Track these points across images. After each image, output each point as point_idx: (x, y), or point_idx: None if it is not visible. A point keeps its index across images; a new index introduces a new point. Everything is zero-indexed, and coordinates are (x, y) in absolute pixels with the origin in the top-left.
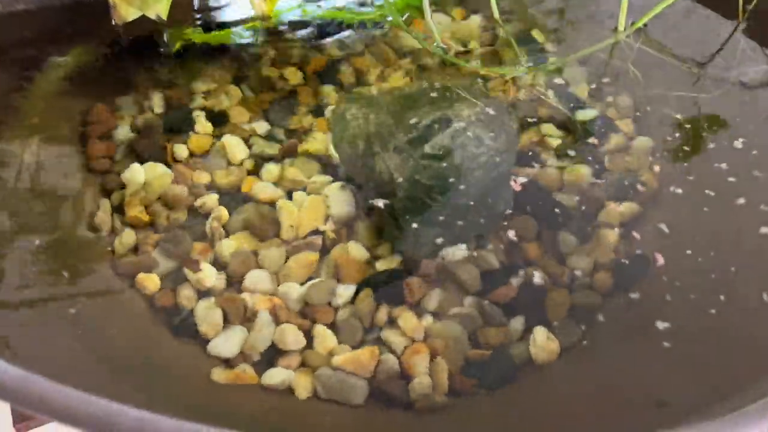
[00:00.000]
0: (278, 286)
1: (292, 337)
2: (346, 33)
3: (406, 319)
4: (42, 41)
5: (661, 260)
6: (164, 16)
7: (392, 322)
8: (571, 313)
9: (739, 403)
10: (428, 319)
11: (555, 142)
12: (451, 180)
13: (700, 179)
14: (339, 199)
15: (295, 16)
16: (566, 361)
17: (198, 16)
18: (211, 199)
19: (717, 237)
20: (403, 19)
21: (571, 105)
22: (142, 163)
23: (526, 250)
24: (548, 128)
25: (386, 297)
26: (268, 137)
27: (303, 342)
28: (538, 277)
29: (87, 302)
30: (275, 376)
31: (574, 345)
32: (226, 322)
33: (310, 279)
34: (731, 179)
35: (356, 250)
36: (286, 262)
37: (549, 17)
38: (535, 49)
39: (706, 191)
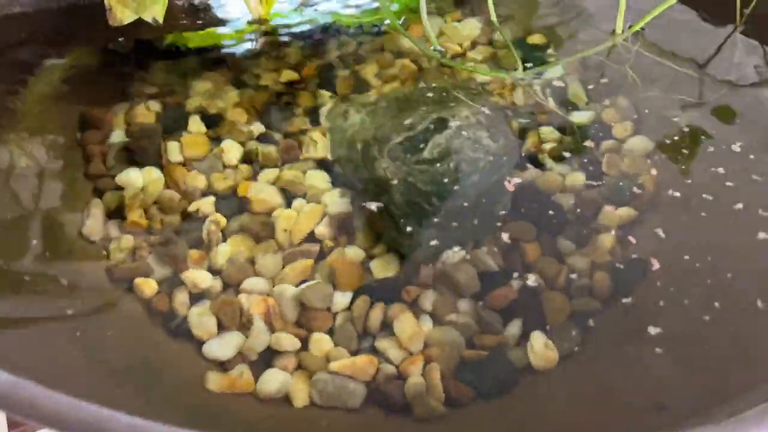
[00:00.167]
0: (274, 287)
1: (288, 341)
2: (344, 36)
3: (404, 325)
4: (38, 44)
5: (656, 265)
6: (160, 19)
7: (389, 329)
8: (570, 318)
9: (738, 407)
10: (426, 325)
11: (553, 146)
12: (449, 184)
13: (698, 183)
14: (336, 203)
15: (291, 19)
16: (564, 366)
17: (195, 19)
18: (206, 204)
19: (714, 242)
20: (401, 22)
21: (569, 108)
22: (138, 166)
23: (523, 253)
24: (546, 131)
25: (384, 302)
26: (265, 140)
27: (298, 345)
28: (535, 281)
29: (84, 307)
30: (272, 381)
31: (572, 350)
32: (222, 326)
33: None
34: (729, 184)
35: (353, 255)
36: (282, 268)
37: (547, 20)
38: (533, 52)
39: (704, 195)
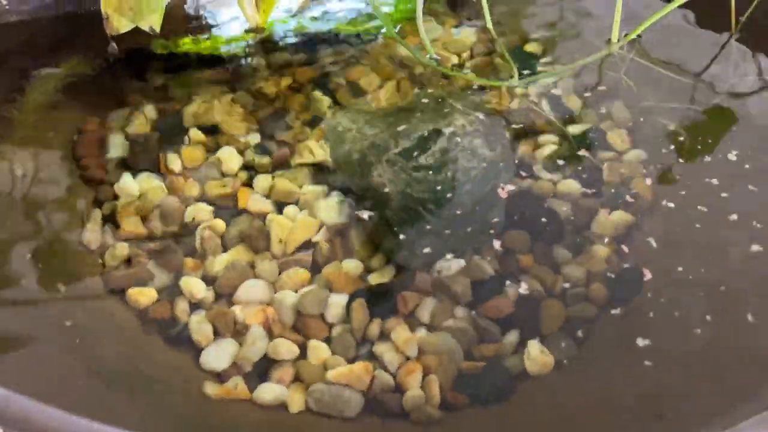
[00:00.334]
0: (275, 293)
1: (285, 348)
2: (341, 44)
3: (400, 333)
4: (35, 53)
5: (648, 275)
6: (157, 28)
7: (386, 336)
8: (566, 326)
9: (732, 419)
10: (422, 332)
11: (548, 154)
12: (445, 191)
13: (693, 194)
14: (333, 211)
15: (289, 28)
16: (561, 373)
17: (192, 28)
18: (203, 211)
19: (708, 254)
20: (397, 30)
21: (565, 116)
22: (135, 174)
23: (519, 261)
24: (542, 139)
25: (380, 309)
26: (262, 148)
27: (296, 353)
28: (530, 288)
29: (81, 315)
30: (268, 392)
31: (568, 358)
32: (217, 334)
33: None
34: (724, 195)
35: (350, 263)
36: (279, 275)
37: (543, 28)
38: (530, 60)
39: (699, 207)
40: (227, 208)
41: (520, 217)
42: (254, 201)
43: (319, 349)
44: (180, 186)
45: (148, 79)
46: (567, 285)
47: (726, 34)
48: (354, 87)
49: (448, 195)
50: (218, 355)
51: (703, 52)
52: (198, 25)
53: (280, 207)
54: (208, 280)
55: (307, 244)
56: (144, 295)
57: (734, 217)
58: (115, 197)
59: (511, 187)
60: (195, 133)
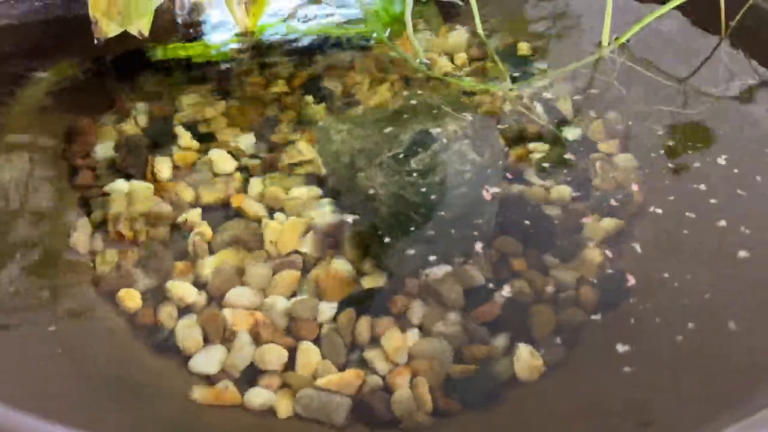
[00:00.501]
0: (265, 298)
1: (272, 355)
2: (331, 48)
3: (390, 337)
4: (24, 56)
5: (632, 281)
6: (146, 32)
7: (376, 341)
8: (556, 330)
9: (718, 425)
10: (413, 337)
11: (539, 158)
12: (435, 196)
13: (681, 200)
14: (324, 215)
15: (279, 31)
16: (550, 378)
17: (181, 32)
18: (194, 215)
19: (694, 260)
20: (388, 34)
21: (556, 120)
22: (125, 178)
23: (510, 265)
24: (532, 144)
25: (370, 313)
26: (253, 152)
27: (285, 359)
28: (521, 292)
29: (67, 320)
30: (257, 397)
31: (558, 361)
32: (207, 340)
33: (294, 295)
34: (713, 201)
35: (340, 267)
36: (270, 281)
37: (535, 32)
38: (521, 64)
39: (687, 213)
40: (218, 211)
41: (511, 222)
42: (246, 205)
43: (309, 353)
44: (170, 190)
45: (139, 83)
46: (556, 289)
47: (716, 39)
48: (345, 91)
49: (440, 199)
50: (207, 360)
51: (694, 56)
52: (188, 29)
53: (271, 211)
54: (200, 284)
55: (298, 248)
56: (133, 300)
57: (722, 223)
58: (105, 201)
59: (496, 190)
60: (185, 137)
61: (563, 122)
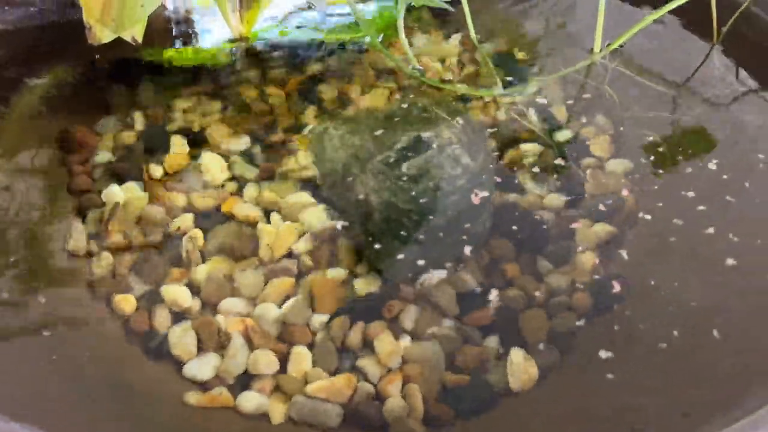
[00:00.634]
0: (255, 307)
1: (265, 360)
2: (325, 53)
3: (383, 342)
4: (20, 62)
5: (617, 287)
6: (139, 39)
7: (369, 346)
8: (549, 336)
9: (712, 427)
10: (405, 341)
11: (531, 163)
12: (428, 202)
13: (672, 206)
14: (318, 220)
15: (272, 37)
16: (544, 383)
17: (175, 37)
18: (188, 220)
19: (681, 268)
20: (381, 39)
21: (550, 125)
22: (121, 183)
23: (503, 271)
24: (525, 149)
25: (364, 320)
26: (248, 157)
27: (277, 366)
28: (514, 298)
29: (62, 326)
30: (250, 400)
31: (551, 366)
32: (201, 347)
33: (287, 300)
34: (701, 207)
35: (334, 273)
36: (264, 285)
37: (528, 38)
38: (515, 70)
39: (675, 220)
40: (212, 216)
41: (505, 227)
42: (239, 210)
43: (301, 359)
44: (165, 195)
45: (134, 88)
46: (549, 294)
47: (708, 45)
48: (339, 96)
49: (432, 205)
50: (201, 366)
51: (686, 62)
52: (182, 35)
53: (266, 216)
54: (194, 289)
55: (291, 254)
56: (127, 305)
57: (711, 230)
58: (101, 206)
59: (485, 194)
60: (180, 142)
61: (556, 127)
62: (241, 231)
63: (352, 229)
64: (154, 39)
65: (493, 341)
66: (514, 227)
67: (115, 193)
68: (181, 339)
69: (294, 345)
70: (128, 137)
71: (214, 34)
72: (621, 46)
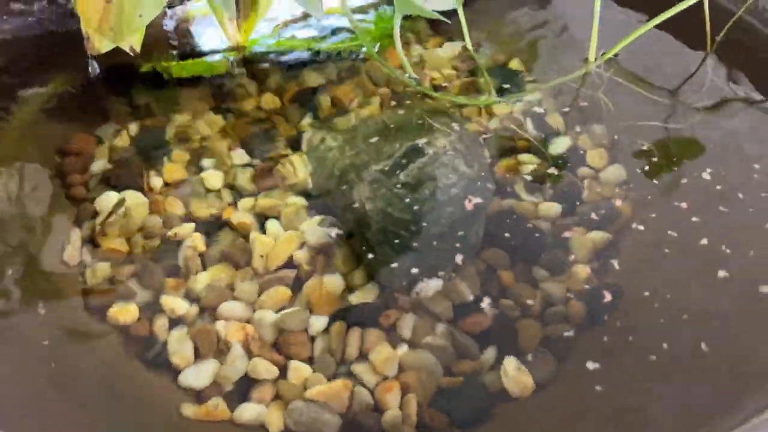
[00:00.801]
0: (255, 312)
1: (264, 367)
2: (322, 63)
3: (380, 349)
4: (18, 71)
5: (608, 297)
6: (137, 48)
7: (365, 355)
8: (544, 344)
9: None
10: (402, 349)
11: (527, 172)
12: (424, 211)
13: (665, 217)
14: (315, 230)
15: (269, 46)
16: (538, 391)
17: (172, 46)
18: (185, 229)
19: (674, 280)
20: (377, 48)
21: (546, 135)
22: (118, 192)
23: (498, 280)
24: (521, 157)
25: (360, 329)
26: (245, 166)
27: (276, 373)
28: (509, 306)
29: (60, 334)
30: (248, 411)
31: (546, 375)
32: (198, 354)
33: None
34: (695, 219)
35: (330, 282)
36: (259, 295)
37: (524, 47)
38: (511, 78)
39: (669, 232)
40: (210, 226)
41: (500, 235)
42: (237, 218)
43: (301, 369)
44: (162, 204)
45: (132, 97)
46: (544, 303)
47: (702, 53)
48: (336, 105)
49: (428, 213)
50: (198, 375)
51: (680, 70)
52: (179, 45)
53: (262, 225)
54: (192, 298)
55: (288, 263)
56: (124, 314)
57: (704, 241)
58: (98, 215)
59: (478, 200)
60: (178, 151)
61: (552, 136)
62: (238, 240)
63: (348, 238)
64: (152, 49)
65: (489, 351)
66: (509, 235)
67: (113, 201)
68: (179, 346)
69: (292, 354)
70: (126, 145)
71: (212, 43)
72: (616, 55)
